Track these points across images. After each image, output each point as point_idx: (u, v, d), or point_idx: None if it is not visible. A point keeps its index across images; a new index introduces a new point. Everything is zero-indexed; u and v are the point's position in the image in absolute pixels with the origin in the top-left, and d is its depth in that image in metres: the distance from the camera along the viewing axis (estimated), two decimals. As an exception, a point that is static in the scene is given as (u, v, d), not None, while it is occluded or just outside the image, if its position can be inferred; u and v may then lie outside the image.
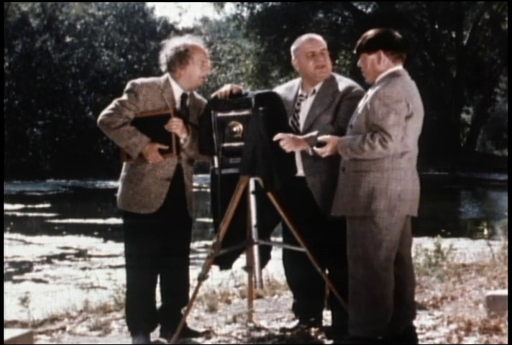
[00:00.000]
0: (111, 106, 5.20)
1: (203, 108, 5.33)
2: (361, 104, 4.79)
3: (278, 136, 4.97)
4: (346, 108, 5.09)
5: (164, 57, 5.31)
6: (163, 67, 5.33)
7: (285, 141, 4.97)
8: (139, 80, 5.28)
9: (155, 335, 5.36)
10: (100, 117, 5.19)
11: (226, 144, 5.16)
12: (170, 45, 5.29)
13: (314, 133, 5.04)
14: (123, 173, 5.29)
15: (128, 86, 5.25)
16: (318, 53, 5.25)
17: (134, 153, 5.13)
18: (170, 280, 5.32)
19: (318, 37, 5.35)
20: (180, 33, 41.28)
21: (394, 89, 4.66)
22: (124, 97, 5.21)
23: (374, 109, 4.65)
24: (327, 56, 5.28)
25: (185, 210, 5.28)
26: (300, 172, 5.23)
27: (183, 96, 5.28)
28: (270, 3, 36.99)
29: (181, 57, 5.23)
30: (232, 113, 5.16)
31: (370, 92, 4.77)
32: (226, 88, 5.27)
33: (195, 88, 5.34)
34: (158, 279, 5.34)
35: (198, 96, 5.43)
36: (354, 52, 4.92)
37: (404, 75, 4.81)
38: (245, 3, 37.35)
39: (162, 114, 5.16)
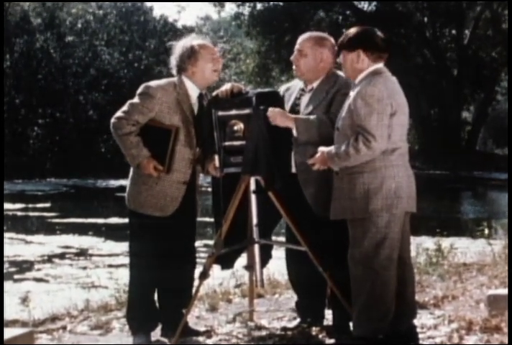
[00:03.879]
0: (124, 108, 5.18)
1: None
2: (345, 105, 4.79)
3: (270, 109, 5.03)
4: (338, 104, 5.07)
5: (173, 59, 5.32)
6: (174, 70, 5.33)
7: (272, 113, 5.04)
8: (153, 83, 5.26)
9: (156, 334, 5.37)
10: (112, 119, 5.19)
11: (227, 143, 5.16)
12: (178, 47, 5.31)
13: (304, 116, 5.09)
14: (134, 174, 5.27)
15: (142, 89, 5.21)
16: (295, 51, 5.28)
17: (132, 164, 5.17)
18: (175, 280, 5.30)
19: (306, 36, 5.30)
20: (180, 31, 41.28)
21: (375, 88, 4.66)
22: (137, 100, 5.18)
23: (357, 109, 4.65)
24: (303, 56, 5.23)
25: (195, 211, 5.31)
26: (293, 169, 5.23)
27: (200, 97, 5.29)
28: (271, 2, 36.98)
29: (190, 54, 5.24)
30: (233, 112, 5.16)
31: (352, 92, 4.77)
32: (227, 86, 5.28)
33: (211, 83, 5.36)
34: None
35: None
36: (336, 48, 4.92)
37: (385, 73, 4.80)
38: (246, 3, 37.34)
39: (165, 128, 5.15)
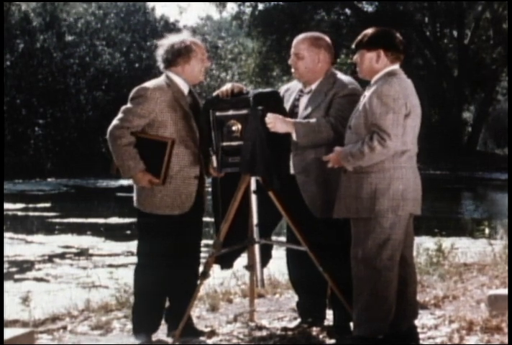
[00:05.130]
0: (120, 115, 5.14)
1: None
2: (359, 105, 4.79)
3: (269, 115, 5.00)
4: (337, 106, 5.09)
5: (164, 53, 5.29)
6: (162, 64, 5.32)
7: (271, 119, 5.00)
8: (149, 84, 5.22)
9: (156, 334, 5.36)
10: (110, 127, 5.14)
11: (225, 143, 5.16)
12: (170, 41, 5.29)
13: (304, 120, 5.07)
14: None
15: (138, 92, 5.17)
16: (292, 55, 5.27)
17: (125, 175, 5.15)
18: (183, 280, 5.29)
19: (300, 38, 5.29)
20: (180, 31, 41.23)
21: (392, 88, 4.65)
22: (134, 104, 5.14)
23: (372, 108, 4.64)
24: (301, 59, 5.22)
25: (204, 207, 5.32)
26: (291, 170, 5.23)
27: (190, 92, 5.30)
28: (272, 3, 37.00)
29: (185, 51, 5.24)
30: (231, 113, 5.16)
31: (368, 92, 4.76)
32: (228, 86, 5.28)
33: (197, 82, 5.37)
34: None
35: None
36: (353, 46, 4.91)
37: (401, 74, 4.80)
38: (247, 3, 37.36)
39: (161, 141, 5.13)
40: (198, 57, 5.28)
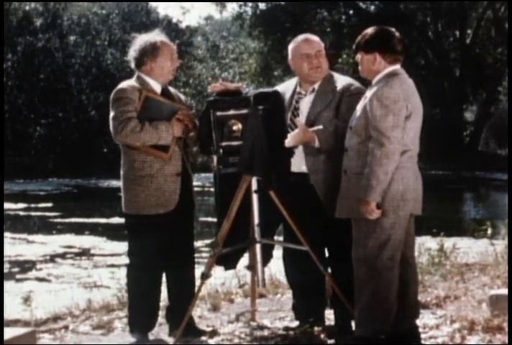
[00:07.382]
0: (116, 120, 5.14)
1: (180, 98, 5.41)
2: (360, 105, 4.78)
3: (296, 131, 5.00)
4: (346, 105, 5.10)
5: (133, 53, 5.32)
6: (133, 64, 5.34)
7: (299, 131, 4.99)
8: (125, 85, 5.25)
9: (158, 334, 5.36)
10: (117, 133, 5.13)
11: (225, 143, 5.17)
12: (139, 41, 5.31)
13: (320, 126, 5.05)
14: (126, 180, 5.25)
15: (118, 94, 5.20)
16: (312, 55, 5.24)
17: (169, 137, 5.14)
18: (179, 279, 5.30)
19: (314, 38, 5.32)
20: (183, 32, 41.23)
21: (392, 90, 4.64)
22: (117, 107, 5.17)
23: (372, 111, 4.64)
24: (323, 57, 5.25)
25: (193, 204, 5.31)
26: (304, 169, 5.22)
27: (163, 91, 5.31)
28: (274, 2, 36.97)
29: (152, 50, 5.26)
30: (231, 112, 5.17)
31: (368, 93, 4.75)
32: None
33: (167, 81, 5.37)
34: (163, 279, 5.35)
35: (172, 89, 5.46)
36: (353, 47, 4.91)
37: (402, 74, 4.79)
38: (249, 3, 37.34)
39: (174, 106, 5.20)
40: (166, 56, 5.28)
